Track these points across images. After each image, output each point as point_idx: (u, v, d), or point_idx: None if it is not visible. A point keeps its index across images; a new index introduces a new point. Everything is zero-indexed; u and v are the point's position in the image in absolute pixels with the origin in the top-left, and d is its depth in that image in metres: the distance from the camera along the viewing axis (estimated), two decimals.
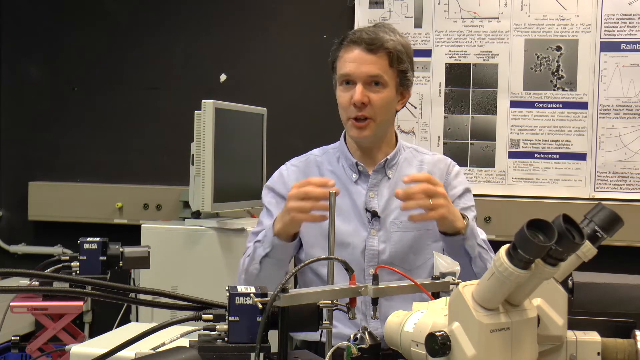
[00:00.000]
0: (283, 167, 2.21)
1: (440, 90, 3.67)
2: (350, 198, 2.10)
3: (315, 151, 2.23)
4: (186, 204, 3.43)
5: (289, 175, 2.17)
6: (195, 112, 3.04)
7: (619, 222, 1.35)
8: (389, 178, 2.12)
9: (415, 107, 3.69)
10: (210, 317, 1.35)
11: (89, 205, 3.88)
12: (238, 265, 2.14)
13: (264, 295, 1.29)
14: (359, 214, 2.08)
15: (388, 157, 2.12)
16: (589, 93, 3.56)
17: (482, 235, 2.05)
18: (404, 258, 2.05)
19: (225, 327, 1.30)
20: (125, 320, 3.42)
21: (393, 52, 2.03)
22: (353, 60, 2.03)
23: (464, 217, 1.97)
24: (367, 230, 2.07)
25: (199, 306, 1.39)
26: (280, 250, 1.98)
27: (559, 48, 3.58)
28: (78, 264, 1.77)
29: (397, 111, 2.14)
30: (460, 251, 1.94)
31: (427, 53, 3.67)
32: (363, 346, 1.30)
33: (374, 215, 2.07)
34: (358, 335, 1.32)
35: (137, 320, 3.29)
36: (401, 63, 2.06)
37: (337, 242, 1.89)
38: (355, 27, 3.68)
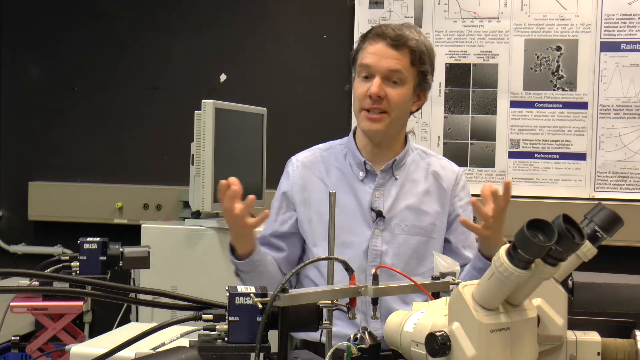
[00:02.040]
0: (289, 162, 2.22)
1: (440, 90, 3.67)
2: (355, 196, 2.09)
3: (322, 145, 2.22)
4: (186, 204, 3.43)
5: (294, 172, 2.17)
6: (195, 112, 3.03)
7: (619, 222, 1.35)
8: (396, 179, 2.11)
9: None
10: (210, 317, 1.35)
11: (89, 205, 3.88)
12: None
13: (264, 295, 1.29)
14: (363, 213, 2.08)
15: (397, 157, 2.11)
16: (589, 93, 3.56)
17: None
18: (406, 262, 2.05)
19: (225, 327, 1.30)
20: (125, 320, 3.43)
21: (416, 50, 2.03)
22: (375, 53, 2.03)
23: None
24: (370, 230, 2.07)
25: (199, 306, 1.39)
26: (244, 266, 2.00)
27: (559, 48, 3.57)
28: (78, 264, 1.77)
29: (411, 113, 2.13)
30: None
31: None
32: (363, 346, 1.30)
33: (379, 215, 2.06)
34: (358, 335, 1.32)
35: (137, 320, 3.29)
36: (422, 64, 2.06)
37: (339, 241, 1.91)
38: (355, 28, 3.69)
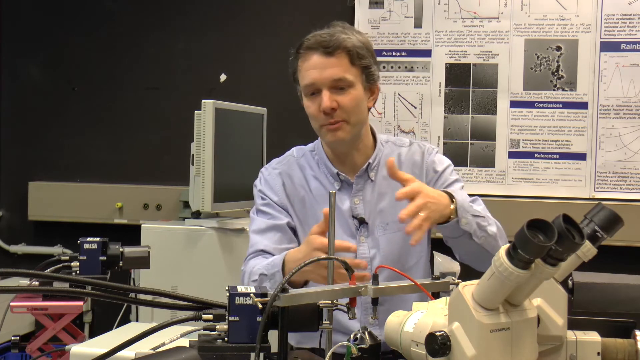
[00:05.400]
0: (264, 171, 2.15)
1: (440, 90, 3.67)
2: (335, 206, 2.05)
3: (294, 152, 2.17)
4: (186, 204, 3.43)
5: (274, 180, 2.10)
6: (195, 112, 3.04)
7: (619, 222, 1.35)
8: (372, 180, 2.07)
9: (415, 107, 3.69)
10: (210, 317, 1.35)
11: (89, 205, 3.88)
12: (242, 274, 2.04)
13: (264, 295, 1.29)
14: (345, 223, 2.04)
15: (370, 161, 2.07)
16: (589, 93, 3.56)
17: (476, 205, 1.96)
18: (396, 260, 2.02)
19: (225, 327, 1.30)
20: (125, 320, 3.43)
21: (352, 49, 1.97)
22: (314, 67, 1.96)
23: (451, 197, 1.86)
24: (355, 238, 2.04)
25: (199, 306, 1.39)
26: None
27: (559, 48, 3.58)
28: (78, 264, 1.77)
29: (369, 109, 2.07)
30: (458, 232, 1.88)
31: (427, 53, 3.67)
32: (363, 346, 1.30)
33: (362, 222, 2.04)
34: (358, 335, 1.32)
35: (137, 320, 3.29)
36: (362, 59, 1.99)
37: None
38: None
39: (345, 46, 1.96)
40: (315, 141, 2.15)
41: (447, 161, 2.13)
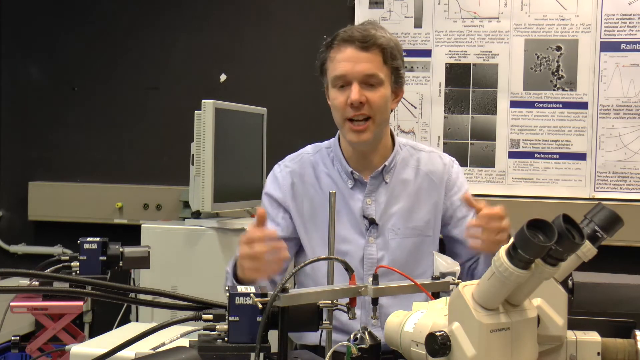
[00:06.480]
0: (277, 168, 2.15)
1: (440, 90, 3.67)
2: (346, 204, 2.04)
3: (309, 149, 2.17)
4: (186, 204, 3.43)
5: (284, 178, 2.11)
6: (195, 112, 3.04)
7: (619, 222, 1.35)
8: (387, 182, 2.07)
9: (415, 107, 3.69)
10: (210, 317, 1.35)
11: (89, 205, 3.88)
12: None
13: (264, 295, 1.29)
14: (355, 222, 2.04)
15: (386, 163, 2.06)
16: (589, 93, 3.56)
17: None
18: (403, 265, 1.99)
19: (225, 327, 1.30)
20: (125, 320, 3.43)
21: (387, 48, 1.98)
22: (347, 60, 1.96)
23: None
24: (364, 238, 2.03)
25: (199, 306, 1.39)
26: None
27: (559, 48, 3.58)
28: (78, 264, 1.77)
29: (391, 110, 2.08)
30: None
31: (427, 53, 3.67)
32: (363, 346, 1.30)
33: (372, 222, 2.03)
34: (358, 335, 1.32)
35: (137, 320, 3.29)
36: (394, 60, 2.00)
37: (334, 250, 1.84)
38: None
39: (380, 44, 1.97)
40: (332, 138, 2.15)
41: (466, 183, 2.16)
